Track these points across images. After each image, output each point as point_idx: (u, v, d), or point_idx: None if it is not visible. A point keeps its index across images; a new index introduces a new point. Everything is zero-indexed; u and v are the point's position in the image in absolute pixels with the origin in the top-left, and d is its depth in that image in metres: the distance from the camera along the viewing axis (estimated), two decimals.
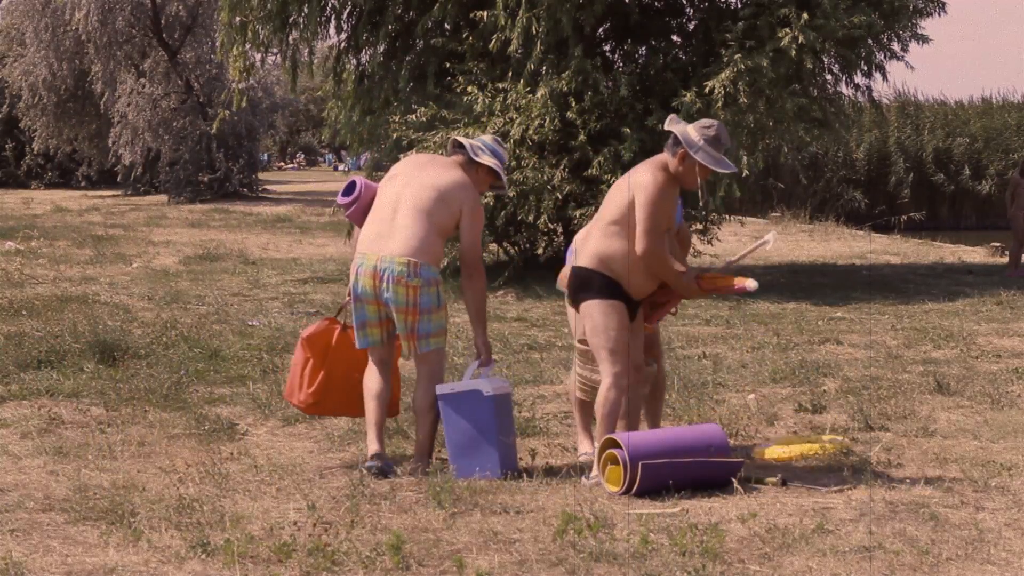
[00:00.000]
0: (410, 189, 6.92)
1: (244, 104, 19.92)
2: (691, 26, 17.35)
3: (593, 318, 6.66)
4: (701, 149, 6.63)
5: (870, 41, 16.21)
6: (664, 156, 6.74)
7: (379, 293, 6.80)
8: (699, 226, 17.07)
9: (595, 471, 6.62)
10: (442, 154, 8.04)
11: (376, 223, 6.93)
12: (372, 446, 6.85)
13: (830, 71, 16.93)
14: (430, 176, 6.97)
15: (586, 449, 7.22)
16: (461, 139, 7.17)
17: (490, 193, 7.37)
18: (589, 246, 6.73)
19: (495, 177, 7.14)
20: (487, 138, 7.22)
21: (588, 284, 6.67)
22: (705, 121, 6.77)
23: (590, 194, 15.24)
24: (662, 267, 6.67)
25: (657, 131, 14.31)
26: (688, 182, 6.71)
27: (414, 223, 6.80)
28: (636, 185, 6.64)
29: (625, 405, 6.74)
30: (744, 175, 15.60)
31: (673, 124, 6.77)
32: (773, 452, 7.19)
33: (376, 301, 6.84)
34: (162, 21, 37.69)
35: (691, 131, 6.68)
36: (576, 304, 6.78)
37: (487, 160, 7.06)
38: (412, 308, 6.78)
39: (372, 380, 6.98)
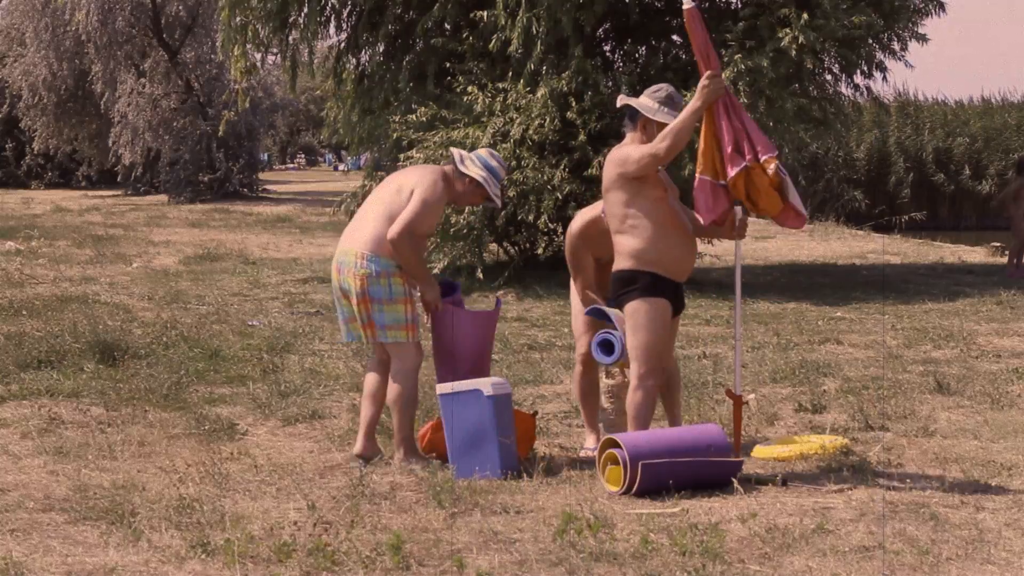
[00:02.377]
0: (378, 190, 7.16)
1: (247, 105, 19.94)
2: None
3: (634, 318, 6.72)
4: (659, 111, 6.74)
5: (870, 41, 16.22)
6: (626, 138, 6.86)
7: (341, 285, 7.01)
8: None
9: (590, 443, 6.92)
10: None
11: (348, 225, 7.20)
12: (357, 445, 7.11)
13: (830, 71, 16.93)
14: (398, 176, 7.16)
15: (592, 444, 7.25)
16: (454, 149, 7.26)
17: (484, 205, 7.38)
18: (619, 248, 6.79)
19: (484, 191, 7.12)
20: (483, 151, 7.25)
21: (631, 283, 6.72)
22: (653, 87, 6.91)
23: (590, 194, 15.23)
24: (679, 131, 6.57)
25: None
26: None
27: (374, 219, 6.98)
28: (613, 161, 6.74)
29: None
30: None
31: (625, 99, 6.90)
32: (773, 452, 7.19)
33: (344, 295, 7.03)
34: (162, 21, 37.72)
35: (644, 99, 6.82)
36: (620, 305, 6.82)
37: (473, 171, 7.09)
38: (364, 297, 6.89)
39: (368, 380, 7.16)
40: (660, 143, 6.59)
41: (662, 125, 6.73)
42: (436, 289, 7.09)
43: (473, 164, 7.11)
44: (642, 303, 6.70)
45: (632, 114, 6.83)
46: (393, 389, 6.97)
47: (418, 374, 7.04)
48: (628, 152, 6.71)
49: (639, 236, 6.70)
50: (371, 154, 18.70)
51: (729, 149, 6.69)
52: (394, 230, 6.84)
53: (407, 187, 6.97)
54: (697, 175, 6.77)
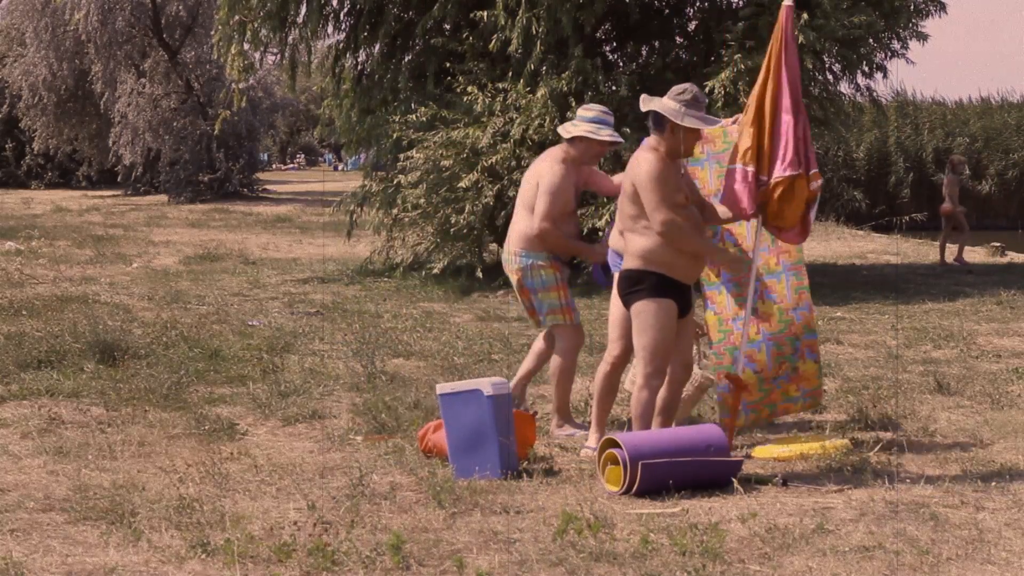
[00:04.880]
0: (522, 186, 8.01)
1: (244, 104, 19.94)
2: (691, 26, 17.35)
3: (641, 317, 6.74)
4: (686, 115, 6.70)
5: (871, 41, 16.22)
6: (652, 139, 6.80)
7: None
8: None
9: (591, 442, 7.11)
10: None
11: None
12: (513, 387, 7.80)
13: (830, 71, 16.93)
14: (534, 167, 7.94)
15: (594, 444, 7.23)
16: (561, 129, 7.87)
17: (608, 141, 7.73)
18: (629, 247, 6.80)
19: (596, 141, 7.63)
20: (580, 110, 7.88)
21: (638, 283, 6.74)
22: (676, 88, 6.84)
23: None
24: (684, 236, 6.66)
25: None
26: (687, 150, 6.81)
27: (517, 217, 7.87)
28: (634, 174, 6.72)
29: (660, 403, 6.89)
30: None
31: (648, 103, 6.84)
32: (773, 452, 7.19)
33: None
34: (162, 21, 37.72)
35: (669, 103, 6.75)
36: (627, 304, 6.84)
37: (577, 131, 7.66)
38: (523, 289, 7.83)
39: (537, 340, 8.07)
40: (663, 229, 6.61)
41: (690, 129, 6.72)
42: (597, 250, 7.90)
43: (575, 126, 7.69)
44: (649, 303, 6.70)
45: (658, 118, 6.75)
46: (554, 362, 7.79)
47: (577, 353, 7.88)
48: (651, 179, 6.62)
49: (651, 237, 6.68)
50: (370, 154, 18.69)
51: (790, 153, 6.68)
52: (533, 226, 7.67)
53: (533, 179, 7.74)
54: (740, 166, 6.74)
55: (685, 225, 6.65)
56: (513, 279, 7.89)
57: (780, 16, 6.88)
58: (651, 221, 6.63)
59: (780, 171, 6.71)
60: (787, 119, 6.74)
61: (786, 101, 6.76)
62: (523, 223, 7.76)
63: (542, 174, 7.71)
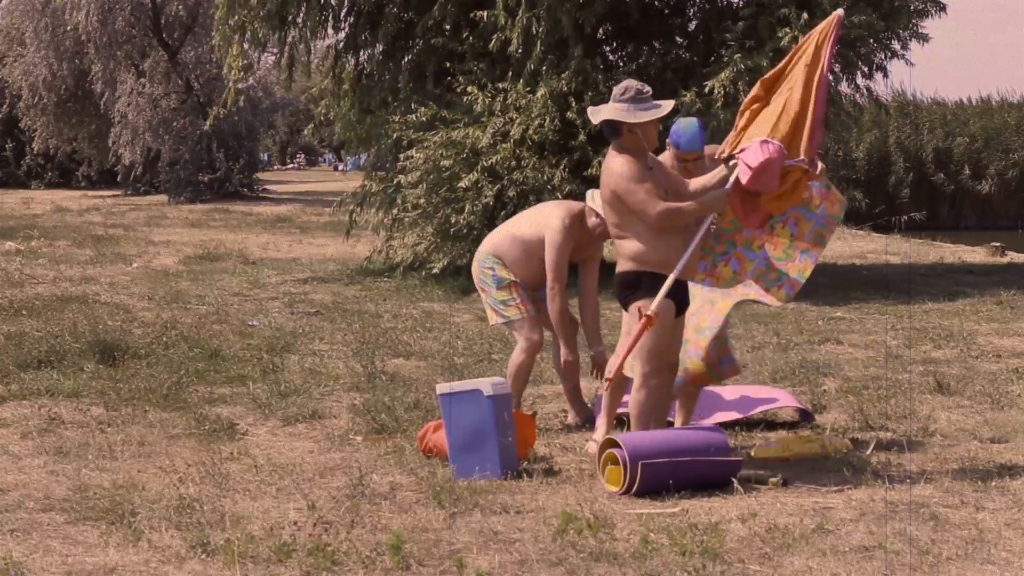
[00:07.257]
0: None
1: (241, 104, 19.89)
2: (691, 26, 17.35)
3: (638, 317, 6.70)
4: (636, 112, 6.71)
5: (871, 41, 16.22)
6: (615, 144, 6.81)
7: None
8: None
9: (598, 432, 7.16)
10: None
11: None
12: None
13: (831, 71, 16.90)
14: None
15: (600, 436, 7.21)
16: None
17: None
18: (620, 252, 6.79)
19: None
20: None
21: (636, 285, 6.73)
22: (617, 90, 6.82)
23: None
24: (680, 213, 6.66)
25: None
26: (649, 143, 6.80)
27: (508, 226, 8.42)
28: (610, 181, 6.73)
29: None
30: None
31: (597, 114, 6.84)
32: (773, 452, 7.19)
33: None
34: (162, 21, 37.72)
35: (616, 110, 6.73)
36: (625, 306, 6.84)
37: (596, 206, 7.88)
38: (480, 286, 8.19)
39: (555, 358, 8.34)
40: (659, 221, 6.60)
41: (647, 124, 6.73)
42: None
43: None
44: (647, 304, 6.70)
45: (611, 126, 6.76)
46: (512, 359, 8.04)
47: (535, 353, 8.03)
48: (627, 181, 6.64)
49: (640, 238, 6.69)
50: (369, 154, 18.69)
51: (814, 147, 6.74)
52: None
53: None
54: (782, 144, 6.70)
55: (675, 206, 6.64)
56: (474, 276, 8.23)
57: (831, 21, 6.85)
58: (645, 219, 6.61)
59: (803, 163, 6.75)
60: (819, 120, 6.81)
61: (821, 110, 6.83)
62: (501, 234, 8.16)
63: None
